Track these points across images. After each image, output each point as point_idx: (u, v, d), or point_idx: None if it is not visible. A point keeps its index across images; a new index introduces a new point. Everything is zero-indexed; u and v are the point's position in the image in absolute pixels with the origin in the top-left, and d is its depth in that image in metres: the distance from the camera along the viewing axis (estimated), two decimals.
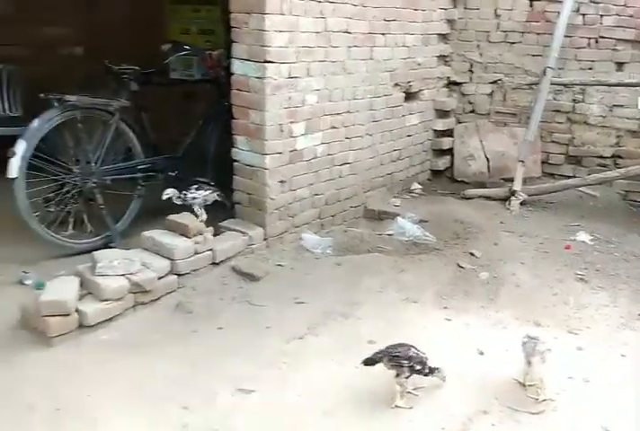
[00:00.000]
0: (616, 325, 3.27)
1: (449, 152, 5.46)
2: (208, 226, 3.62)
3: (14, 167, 3.55)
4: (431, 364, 2.66)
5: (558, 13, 4.88)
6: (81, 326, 3.05)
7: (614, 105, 5.03)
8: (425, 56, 5.05)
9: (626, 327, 3.26)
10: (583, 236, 4.19)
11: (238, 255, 3.71)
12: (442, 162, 5.45)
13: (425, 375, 2.67)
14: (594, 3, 4.94)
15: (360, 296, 3.49)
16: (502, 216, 4.52)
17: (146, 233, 3.55)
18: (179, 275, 3.44)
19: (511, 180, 4.81)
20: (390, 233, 4.27)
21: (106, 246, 3.75)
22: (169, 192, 3.68)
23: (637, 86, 4.86)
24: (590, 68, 5.05)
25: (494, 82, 5.38)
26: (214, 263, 3.61)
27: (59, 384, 2.69)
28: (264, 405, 2.62)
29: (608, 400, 2.70)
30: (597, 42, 5.00)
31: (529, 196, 4.76)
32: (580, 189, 4.92)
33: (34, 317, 3.01)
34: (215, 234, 3.67)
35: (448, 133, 5.46)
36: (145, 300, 3.29)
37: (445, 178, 5.47)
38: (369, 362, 2.63)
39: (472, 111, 5.49)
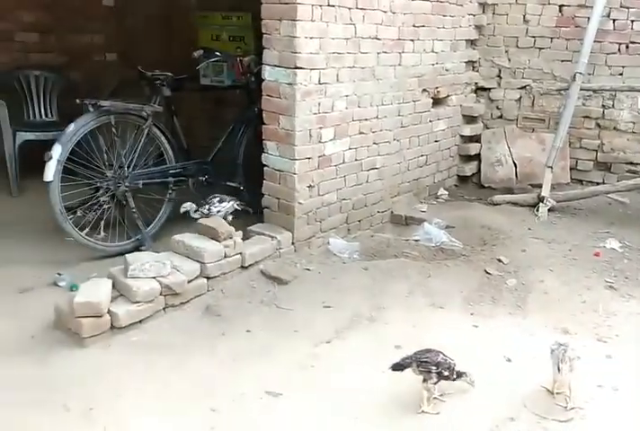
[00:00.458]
0: None
1: (477, 157, 5.44)
2: (237, 230, 3.66)
3: (50, 171, 3.64)
4: (458, 368, 2.67)
5: (588, 18, 4.85)
6: (112, 327, 3.10)
7: None
8: (453, 61, 5.05)
9: None
10: (613, 243, 4.14)
11: (267, 259, 3.74)
12: (469, 168, 5.44)
13: (453, 381, 2.68)
14: (625, 8, 4.90)
15: (386, 301, 3.50)
16: (529, 223, 4.49)
17: (177, 237, 3.60)
18: (208, 278, 3.48)
19: (539, 186, 4.78)
20: (417, 238, 4.27)
21: (137, 249, 3.82)
22: (186, 206, 3.73)
23: None
24: (620, 74, 5.01)
25: (523, 87, 5.35)
26: (243, 267, 3.65)
27: (92, 384, 2.74)
28: (292, 408, 2.64)
29: (638, 408, 2.67)
30: (627, 48, 4.96)
31: (558, 202, 4.72)
32: (609, 195, 4.87)
33: (68, 318, 3.08)
34: (244, 238, 3.71)
35: (476, 138, 5.44)
36: (175, 302, 3.33)
37: (472, 183, 5.45)
38: (398, 367, 2.64)
39: (500, 117, 5.47)
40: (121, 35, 5.31)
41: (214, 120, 4.91)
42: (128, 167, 4.01)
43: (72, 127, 3.75)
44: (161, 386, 2.75)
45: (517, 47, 5.31)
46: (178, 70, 4.40)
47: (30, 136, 5.04)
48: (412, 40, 4.52)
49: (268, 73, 3.80)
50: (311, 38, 3.71)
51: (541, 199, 4.68)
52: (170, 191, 4.24)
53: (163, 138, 4.17)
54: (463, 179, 5.46)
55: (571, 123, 4.91)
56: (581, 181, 5.20)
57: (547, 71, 5.24)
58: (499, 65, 5.39)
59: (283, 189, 3.87)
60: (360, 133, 4.22)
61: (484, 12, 5.27)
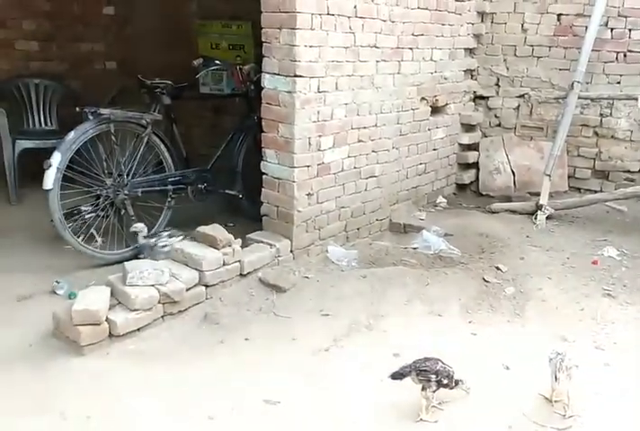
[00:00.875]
0: None
1: (475, 165, 5.46)
2: (236, 238, 3.67)
3: (50, 179, 3.65)
4: (455, 377, 2.67)
5: (586, 27, 4.87)
6: (111, 335, 3.10)
7: None
8: (452, 70, 5.08)
9: None
10: (611, 251, 4.15)
11: (265, 267, 3.75)
12: (468, 176, 5.45)
13: (451, 389, 2.68)
14: (623, 17, 4.92)
15: (385, 309, 3.50)
16: (528, 231, 4.50)
17: (176, 245, 3.61)
18: (207, 286, 3.48)
19: (538, 194, 4.80)
20: (415, 246, 4.28)
21: (136, 257, 3.82)
22: (138, 227, 3.73)
23: None
24: (618, 82, 5.02)
25: (521, 96, 5.37)
26: (241, 274, 3.65)
27: (89, 393, 2.74)
28: (290, 416, 2.64)
29: (636, 416, 2.67)
30: (625, 56, 4.97)
31: (556, 210, 4.73)
32: (607, 203, 4.88)
33: (66, 326, 3.08)
34: (243, 246, 3.72)
35: (474, 147, 5.46)
36: (173, 310, 3.33)
37: (470, 192, 5.47)
38: (397, 376, 2.64)
39: (498, 125, 5.49)
40: (121, 43, 5.34)
41: (213, 128, 4.93)
42: (128, 175, 4.02)
43: (71, 135, 3.77)
44: (159, 394, 2.75)
45: (515, 55, 5.33)
46: (178, 78, 4.42)
47: (29, 144, 5.05)
48: (411, 49, 4.54)
49: (267, 81, 3.82)
50: (310, 46, 3.73)
51: (539, 207, 4.69)
52: (169, 199, 4.25)
53: (162, 146, 4.18)
54: (461, 187, 5.48)
55: (569, 131, 4.92)
56: (579, 189, 5.21)
57: (545, 79, 5.26)
58: (497, 73, 5.41)
59: (282, 196, 3.88)
60: (359, 141, 4.24)
61: (482, 21, 5.30)
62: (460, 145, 5.38)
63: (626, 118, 5.05)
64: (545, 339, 3.19)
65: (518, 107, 5.40)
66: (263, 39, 3.81)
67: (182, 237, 3.73)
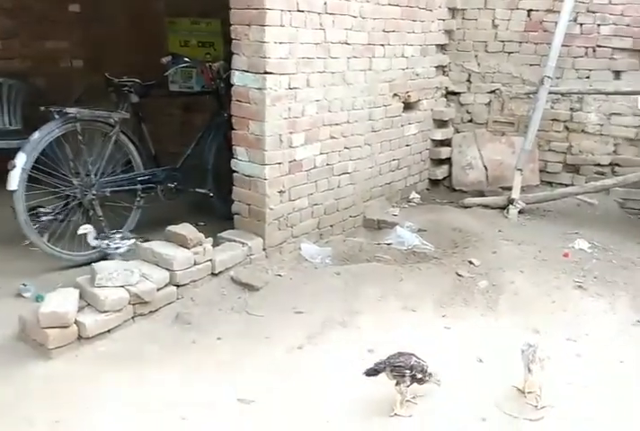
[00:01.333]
0: (614, 332, 3.27)
1: (448, 161, 5.48)
2: (207, 237, 3.63)
3: (14, 179, 3.57)
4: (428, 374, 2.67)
5: (556, 22, 4.92)
6: (80, 338, 3.05)
7: (611, 113, 5.05)
8: (424, 66, 5.09)
9: (625, 333, 3.26)
10: (582, 244, 4.19)
11: (237, 265, 3.71)
12: (440, 172, 5.47)
13: (422, 384, 2.67)
14: (591, 12, 4.98)
15: (359, 305, 3.49)
16: (500, 225, 4.53)
17: (145, 245, 3.56)
18: (178, 286, 3.45)
19: (510, 188, 4.83)
20: (389, 242, 4.28)
21: (105, 258, 3.75)
22: (86, 228, 3.65)
23: (635, 94, 4.88)
24: (587, 77, 5.08)
25: (492, 91, 5.41)
26: (213, 274, 3.61)
27: (58, 396, 2.69)
28: (264, 415, 2.62)
29: (608, 406, 2.70)
30: (594, 51, 5.03)
31: (528, 204, 4.77)
32: (578, 197, 4.94)
33: (34, 329, 3.01)
34: (214, 245, 3.68)
35: (447, 142, 5.48)
36: (144, 311, 3.29)
37: (443, 187, 5.49)
38: (372, 372, 2.64)
39: (470, 121, 5.52)
40: (88, 41, 5.24)
41: (183, 126, 4.88)
42: (95, 175, 3.96)
43: (37, 135, 3.69)
44: (130, 396, 2.71)
45: (486, 51, 5.37)
46: (147, 76, 4.36)
47: None
48: (382, 45, 4.54)
49: (237, 78, 3.79)
50: (280, 43, 3.70)
51: (511, 202, 4.73)
52: (138, 199, 4.20)
53: (130, 145, 4.13)
54: (434, 182, 5.50)
55: (540, 126, 4.96)
56: (550, 183, 5.26)
57: (516, 75, 5.30)
58: (469, 69, 5.44)
59: (253, 194, 3.85)
60: (332, 138, 4.22)
61: (453, 17, 5.32)
62: (433, 140, 5.40)
63: (595, 112, 5.11)
64: (517, 332, 3.21)
65: (489, 102, 5.43)
66: (233, 36, 3.77)
67: (134, 239, 3.67)
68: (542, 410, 2.66)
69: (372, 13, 4.36)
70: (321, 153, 4.15)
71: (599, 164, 5.13)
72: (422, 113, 5.19)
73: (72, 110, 3.77)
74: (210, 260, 3.59)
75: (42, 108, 3.71)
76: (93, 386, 2.76)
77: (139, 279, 3.29)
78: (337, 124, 4.24)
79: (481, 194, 5.14)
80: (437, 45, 5.21)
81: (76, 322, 3.04)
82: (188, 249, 3.49)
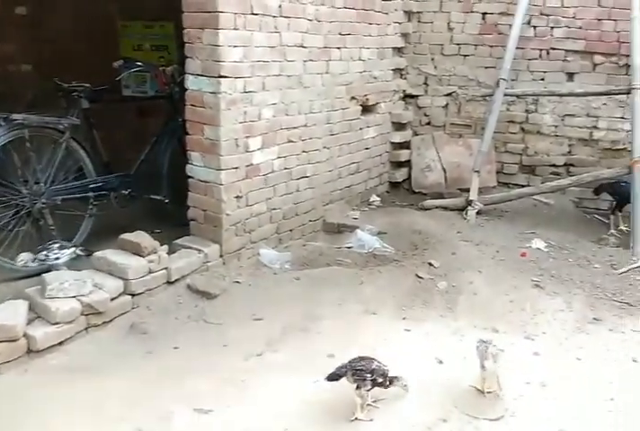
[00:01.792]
0: (571, 329, 3.31)
1: (407, 164, 5.51)
2: (162, 244, 3.56)
3: None
4: (391, 374, 2.66)
5: (510, 25, 4.99)
6: (30, 351, 2.96)
7: (565, 115, 5.15)
8: (381, 69, 5.11)
9: (581, 331, 3.30)
10: (538, 243, 4.25)
11: (194, 273, 3.66)
12: (400, 174, 5.49)
13: (386, 387, 2.66)
14: (545, 15, 5.07)
15: (319, 310, 3.47)
16: (459, 226, 4.57)
17: (98, 253, 3.49)
18: (133, 295, 3.38)
19: (468, 190, 4.88)
20: (349, 245, 4.27)
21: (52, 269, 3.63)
22: (23, 257, 3.57)
23: (587, 96, 4.98)
24: (542, 79, 5.17)
25: (449, 94, 5.46)
26: (169, 282, 3.56)
27: (7, 413, 2.58)
28: (222, 424, 2.57)
29: (566, 403, 2.73)
30: (548, 53, 5.12)
31: (485, 205, 4.82)
32: (534, 197, 5.01)
33: None
34: (170, 252, 3.62)
35: (406, 145, 5.51)
36: (97, 322, 3.22)
37: (403, 189, 5.51)
38: (333, 377, 2.61)
39: (428, 123, 5.56)
40: (37, 45, 5.10)
41: (137, 132, 4.78)
42: (45, 183, 3.86)
43: None
44: (84, 409, 2.63)
45: (442, 54, 5.42)
46: (99, 81, 4.26)
47: None
48: (338, 48, 4.54)
49: (191, 82, 3.74)
50: (235, 46, 3.67)
51: (469, 203, 4.77)
52: (91, 206, 4.10)
53: (82, 152, 4.03)
54: (394, 185, 5.51)
55: (496, 128, 5.03)
56: (507, 184, 5.33)
57: (472, 78, 5.36)
58: (425, 72, 5.48)
59: (209, 200, 3.80)
60: (289, 141, 4.20)
61: (409, 20, 5.36)
62: (392, 143, 5.42)
63: (550, 113, 5.20)
64: (476, 332, 3.23)
65: (446, 105, 5.48)
66: (186, 40, 3.73)
67: (73, 248, 3.57)
68: (502, 410, 2.67)
69: (328, 17, 4.36)
70: (279, 157, 4.12)
71: (554, 165, 5.22)
72: (381, 116, 5.21)
73: (19, 117, 3.66)
74: (166, 268, 3.53)
75: None
76: (45, 400, 2.67)
77: (92, 289, 3.22)
78: (295, 127, 4.22)
79: (440, 196, 5.17)
80: (393, 48, 5.24)
81: (25, 335, 2.95)
82: (142, 257, 3.43)
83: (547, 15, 5.06)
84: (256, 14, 3.78)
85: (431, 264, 3.92)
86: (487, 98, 5.20)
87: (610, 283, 3.77)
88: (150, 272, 3.44)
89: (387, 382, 2.65)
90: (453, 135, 5.46)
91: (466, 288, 3.68)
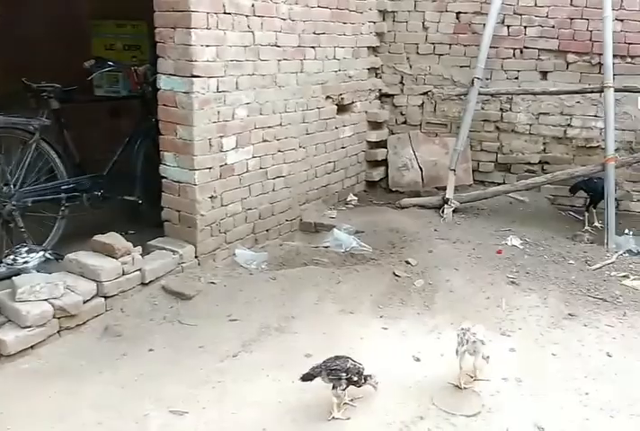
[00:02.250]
0: (546, 325, 3.34)
1: (384, 163, 5.51)
2: (136, 246, 3.51)
3: None
4: (365, 372, 2.65)
5: (484, 24, 5.02)
6: (0, 355, 2.90)
7: (540, 113, 5.19)
8: (356, 68, 5.10)
9: (557, 326, 3.33)
10: (514, 240, 4.28)
11: (168, 274, 3.62)
12: (377, 173, 5.50)
13: (359, 386, 2.65)
14: (518, 14, 5.11)
15: (295, 310, 3.45)
16: (435, 224, 4.58)
17: (70, 255, 3.43)
18: (106, 297, 3.33)
19: (445, 188, 4.90)
20: (326, 245, 4.26)
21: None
22: None
23: (561, 94, 5.03)
24: (516, 78, 5.21)
25: (425, 93, 5.47)
26: (143, 283, 3.51)
27: None
28: (199, 426, 2.55)
29: (541, 398, 2.74)
30: (522, 52, 5.16)
31: (462, 203, 4.85)
32: (510, 195, 5.04)
33: None
34: (144, 254, 3.58)
35: (382, 144, 5.52)
36: (70, 325, 3.17)
37: (380, 188, 5.52)
38: (308, 377, 2.60)
39: (404, 122, 5.57)
40: (5, 44, 5.01)
41: (110, 132, 4.73)
42: (15, 185, 3.78)
43: None
44: (57, 413, 2.59)
45: (417, 53, 5.43)
46: (71, 81, 4.19)
47: None
48: (313, 47, 4.53)
49: (163, 82, 3.70)
50: (207, 46, 3.64)
51: (446, 201, 4.79)
52: (63, 208, 4.04)
53: (52, 153, 3.97)
54: (371, 184, 5.52)
55: (471, 127, 5.06)
56: (483, 182, 5.36)
57: (447, 77, 5.38)
58: (401, 71, 5.49)
59: (183, 200, 3.76)
60: (264, 141, 4.17)
61: (384, 19, 5.37)
62: (368, 142, 5.42)
63: (524, 112, 5.24)
64: (453, 329, 3.19)
65: (422, 104, 5.50)
66: (157, 39, 3.70)
67: (42, 251, 3.51)
68: (478, 406, 2.67)
69: (302, 16, 4.35)
70: (253, 157, 4.10)
71: (529, 163, 5.26)
72: (357, 115, 5.21)
73: None
74: (140, 270, 3.48)
75: None
76: (15, 406, 2.63)
77: (64, 292, 3.17)
78: (270, 127, 4.20)
79: (417, 194, 5.19)
80: (368, 47, 5.24)
81: None
82: (116, 258, 3.38)
83: (521, 14, 5.11)
84: (229, 13, 3.75)
85: (408, 262, 3.93)
86: (462, 97, 5.22)
87: (585, 279, 3.82)
88: (124, 274, 3.39)
89: (363, 381, 2.64)
90: (429, 134, 5.48)
91: (442, 286, 3.69)
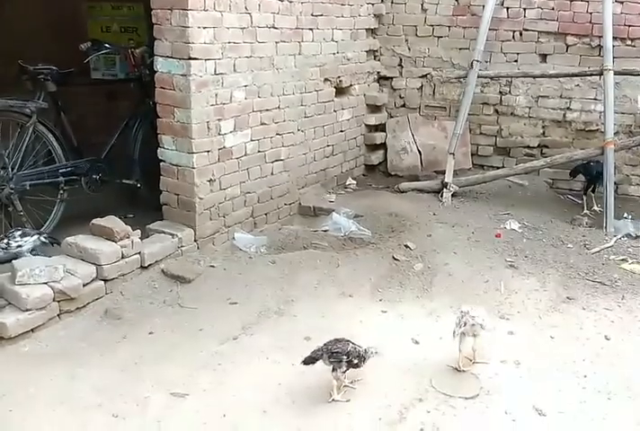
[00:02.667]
0: (545, 309, 3.36)
1: (383, 146, 5.49)
2: (135, 229, 3.51)
3: None
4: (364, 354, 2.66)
5: (483, 6, 4.96)
6: (0, 338, 2.91)
7: (539, 96, 5.16)
8: (354, 50, 5.06)
9: (555, 310, 3.35)
10: (513, 224, 4.28)
11: (168, 258, 3.62)
12: (376, 157, 5.47)
13: (360, 367, 2.66)
14: None
15: (295, 293, 3.46)
16: (434, 208, 4.57)
17: (70, 239, 3.42)
18: (106, 280, 3.34)
19: (444, 172, 4.88)
20: (325, 228, 4.26)
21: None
22: None
23: (561, 77, 5.00)
24: (515, 60, 5.16)
25: (424, 76, 5.43)
26: (143, 267, 3.51)
27: None
28: (199, 408, 2.56)
29: (539, 381, 2.77)
30: (521, 35, 5.11)
31: (461, 187, 4.83)
32: (509, 178, 5.03)
33: None
34: (143, 237, 3.58)
35: (381, 127, 5.49)
36: (70, 308, 3.17)
37: (379, 172, 5.49)
38: (309, 361, 2.62)
39: (403, 105, 5.53)
40: (0, 26, 4.95)
41: (107, 115, 4.70)
42: (13, 168, 3.77)
43: None
44: (58, 396, 2.61)
45: (416, 35, 5.37)
46: (66, 64, 4.15)
47: None
48: (311, 29, 4.48)
49: (160, 64, 3.67)
50: (204, 27, 3.60)
51: (445, 185, 4.77)
52: (61, 191, 4.03)
53: (50, 136, 3.95)
54: (370, 168, 5.50)
55: (470, 110, 5.03)
56: (482, 166, 5.34)
57: (446, 59, 5.33)
58: (400, 54, 5.44)
59: (182, 184, 3.74)
60: (262, 124, 4.15)
61: (382, 1, 5.30)
62: (367, 126, 5.39)
63: (524, 95, 5.20)
64: (451, 312, 3.22)
65: (421, 87, 5.46)
66: (154, 21, 3.66)
67: (37, 235, 3.49)
68: (477, 388, 2.70)
69: None
70: (252, 140, 4.07)
71: (528, 146, 5.24)
72: (355, 98, 5.17)
73: None
74: (139, 253, 3.48)
75: None
76: (17, 388, 2.64)
77: (64, 275, 3.17)
78: (268, 110, 4.17)
79: (416, 178, 5.17)
80: (367, 29, 5.19)
81: None
82: (115, 242, 3.38)
83: None
84: None
85: (407, 246, 3.94)
86: (461, 80, 5.18)
87: (583, 262, 3.83)
88: (123, 257, 3.39)
89: (363, 363, 2.65)
90: (428, 117, 5.45)
91: (441, 269, 3.70)
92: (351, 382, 2.69)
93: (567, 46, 5.00)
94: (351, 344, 2.64)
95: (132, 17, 5.04)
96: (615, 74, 4.61)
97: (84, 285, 3.21)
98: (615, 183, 4.57)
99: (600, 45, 4.80)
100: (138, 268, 3.49)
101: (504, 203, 4.73)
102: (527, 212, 4.52)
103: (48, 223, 3.94)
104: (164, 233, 3.71)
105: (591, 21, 4.88)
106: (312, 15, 4.46)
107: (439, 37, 5.32)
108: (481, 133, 5.36)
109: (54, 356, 2.88)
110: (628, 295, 3.49)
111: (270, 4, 4.05)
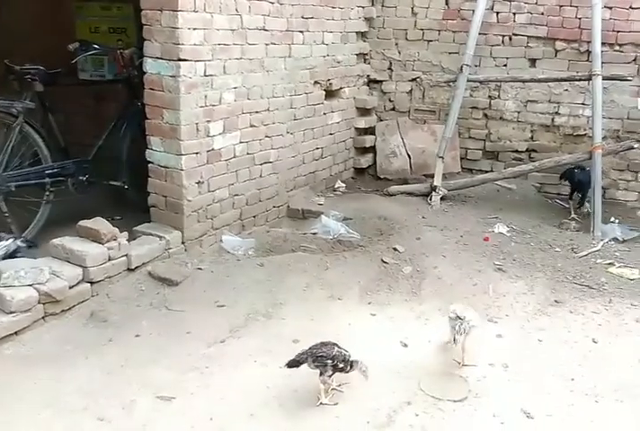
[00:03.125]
0: (533, 312, 3.36)
1: (372, 149, 5.49)
2: (122, 231, 3.48)
3: None
4: (352, 359, 2.65)
5: (473, 11, 4.99)
6: None
7: (528, 100, 5.18)
8: (344, 54, 5.06)
9: (543, 313, 3.36)
10: (501, 228, 4.30)
11: (155, 260, 3.59)
12: (365, 160, 5.48)
13: (347, 372, 2.65)
14: (507, 1, 5.07)
15: (283, 296, 3.45)
16: (423, 212, 4.59)
17: (56, 241, 3.38)
18: (92, 282, 3.31)
19: (433, 176, 4.89)
20: (314, 231, 4.25)
21: (11, 256, 3.52)
22: None
23: (549, 81, 5.03)
24: (504, 65, 5.18)
25: (413, 79, 5.45)
26: (129, 269, 3.48)
27: None
28: (186, 411, 2.55)
29: (527, 384, 2.77)
30: (511, 40, 5.14)
31: (449, 191, 4.85)
32: (497, 182, 5.05)
33: None
34: (130, 239, 3.55)
35: (371, 131, 5.49)
36: (56, 310, 3.14)
37: (368, 175, 5.50)
38: (293, 364, 2.61)
39: (393, 109, 5.54)
40: None
41: (95, 116, 4.67)
42: None
43: None
44: (42, 399, 2.58)
45: (406, 39, 5.39)
46: (54, 64, 4.12)
47: None
48: (301, 32, 4.48)
49: (149, 65, 3.65)
50: (194, 29, 3.59)
51: (434, 189, 4.79)
52: (47, 193, 3.99)
53: (37, 137, 3.90)
54: (359, 171, 5.50)
55: (460, 114, 5.05)
56: (471, 170, 5.36)
57: (436, 63, 5.35)
58: (390, 57, 5.45)
59: (170, 186, 3.72)
60: (252, 126, 4.13)
61: (373, 4, 5.31)
62: (357, 129, 5.39)
63: (513, 99, 5.23)
64: (440, 315, 3.24)
65: (411, 91, 5.47)
66: (144, 22, 3.64)
67: (12, 239, 3.44)
68: (465, 391, 2.70)
69: (290, 0, 4.29)
70: (241, 142, 4.06)
71: (516, 151, 5.27)
72: (345, 101, 5.17)
73: None
74: (126, 255, 3.46)
75: None
76: (2, 391, 2.60)
77: (50, 277, 3.14)
78: (257, 112, 4.16)
79: (405, 182, 5.19)
80: (357, 32, 5.20)
81: None
82: (102, 244, 3.35)
83: (510, 1, 5.07)
84: None
85: (395, 249, 3.94)
86: (451, 84, 5.20)
87: (571, 266, 3.85)
88: (110, 259, 3.37)
89: (348, 367, 2.64)
90: (417, 121, 5.46)
91: (430, 273, 3.70)
92: (339, 386, 2.68)
93: (556, 51, 5.04)
94: (336, 348, 2.63)
95: (121, 18, 5.01)
96: (603, 80, 4.64)
97: (69, 288, 3.18)
98: (602, 188, 4.59)
99: (588, 50, 4.84)
100: (125, 271, 3.46)
101: (493, 207, 4.75)
102: (515, 216, 4.55)
103: (33, 224, 3.89)
104: (151, 235, 3.68)
105: (580, 27, 4.92)
106: (302, 18, 4.46)
107: (429, 41, 5.34)
108: (470, 137, 5.38)
109: (38, 359, 2.84)
110: (615, 299, 3.50)
111: (260, 6, 4.04)
